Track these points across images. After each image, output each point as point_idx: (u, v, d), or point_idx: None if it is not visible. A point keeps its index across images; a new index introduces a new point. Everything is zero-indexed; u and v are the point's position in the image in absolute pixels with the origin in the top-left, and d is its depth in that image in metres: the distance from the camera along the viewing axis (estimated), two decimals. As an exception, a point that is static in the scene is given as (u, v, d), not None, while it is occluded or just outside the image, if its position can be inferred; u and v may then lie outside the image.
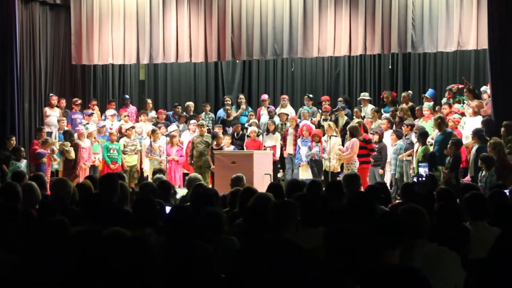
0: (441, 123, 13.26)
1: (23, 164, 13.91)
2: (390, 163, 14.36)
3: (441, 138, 13.05)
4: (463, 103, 14.61)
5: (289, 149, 15.80)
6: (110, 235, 3.92)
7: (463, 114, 14.21)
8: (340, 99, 17.18)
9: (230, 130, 16.33)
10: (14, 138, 14.73)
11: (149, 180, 12.42)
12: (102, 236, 3.96)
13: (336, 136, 14.75)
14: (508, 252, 3.35)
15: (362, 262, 3.53)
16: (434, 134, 13.56)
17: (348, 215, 5.17)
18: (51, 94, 16.79)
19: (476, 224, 5.88)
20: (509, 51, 13.33)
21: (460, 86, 15.49)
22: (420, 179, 10.82)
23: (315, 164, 14.82)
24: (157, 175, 10.75)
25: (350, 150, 14.08)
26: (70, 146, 14.80)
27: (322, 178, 14.15)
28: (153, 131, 15.75)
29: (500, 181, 10.23)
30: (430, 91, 15.91)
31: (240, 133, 16.03)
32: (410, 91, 16.61)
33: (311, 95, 17.45)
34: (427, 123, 14.11)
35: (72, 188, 7.46)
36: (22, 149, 14.30)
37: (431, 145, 13.30)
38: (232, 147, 15.29)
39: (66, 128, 15.68)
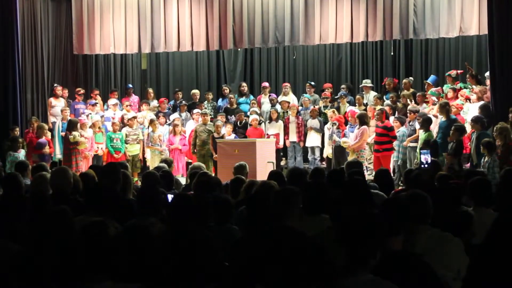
0: (448, 109, 13.21)
1: (21, 154, 13.90)
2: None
3: (446, 124, 13.00)
4: (466, 88, 14.58)
5: (292, 137, 15.80)
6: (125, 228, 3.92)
7: (469, 100, 14.16)
8: (343, 86, 17.17)
9: (232, 118, 16.32)
10: (17, 129, 14.76)
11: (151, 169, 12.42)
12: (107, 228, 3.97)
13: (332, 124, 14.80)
14: (504, 236, 3.36)
15: (374, 248, 3.53)
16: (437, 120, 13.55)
17: (345, 202, 5.16)
18: (55, 85, 16.79)
19: (479, 210, 5.88)
20: (508, 37, 13.27)
21: (459, 71, 15.46)
22: (423, 165, 10.82)
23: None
24: (160, 164, 10.77)
25: (359, 138, 14.06)
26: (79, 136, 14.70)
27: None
28: (151, 121, 15.75)
29: (506, 166, 10.18)
30: (432, 77, 15.89)
31: (244, 121, 16.02)
32: (411, 78, 16.58)
33: (312, 83, 17.44)
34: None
35: (75, 177, 7.46)
36: (20, 139, 14.31)
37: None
38: (233, 135, 15.28)
39: (69, 118, 15.67)
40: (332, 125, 14.75)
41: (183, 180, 12.14)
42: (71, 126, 14.71)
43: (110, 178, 6.83)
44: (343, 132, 14.60)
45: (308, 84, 17.36)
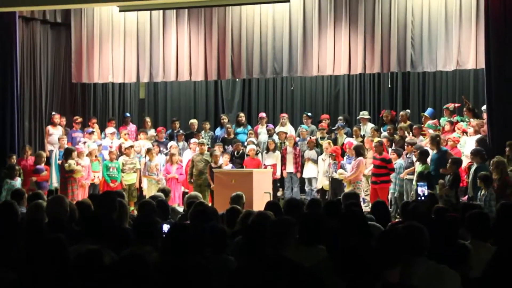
0: (438, 141, 13.28)
1: (17, 182, 13.88)
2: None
3: (437, 156, 13.07)
4: (463, 121, 14.63)
5: (289, 168, 15.81)
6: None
7: (466, 133, 14.20)
8: (340, 117, 17.20)
9: (230, 148, 16.33)
10: (14, 157, 14.76)
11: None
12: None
13: (329, 156, 14.82)
14: (502, 270, 3.35)
15: (371, 280, 3.52)
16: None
17: (342, 234, 5.15)
18: (53, 113, 16.80)
19: (477, 243, 5.86)
20: (505, 71, 13.34)
21: (457, 104, 15.54)
22: (419, 198, 10.80)
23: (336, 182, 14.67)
24: (156, 194, 10.74)
25: (355, 170, 14.07)
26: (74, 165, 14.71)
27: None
28: (148, 150, 15.74)
29: (502, 200, 10.18)
30: (429, 110, 15.94)
31: (241, 151, 16.03)
32: (408, 110, 16.63)
33: (309, 114, 17.47)
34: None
35: (71, 206, 7.44)
36: (17, 167, 14.30)
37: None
38: (230, 165, 15.28)
39: (66, 146, 15.65)
40: (329, 157, 14.74)
41: (179, 210, 12.09)
42: (67, 154, 14.72)
43: (106, 206, 6.80)
44: (340, 164, 14.59)
45: (305, 115, 17.39)
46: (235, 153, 15.98)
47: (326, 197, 14.64)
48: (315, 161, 15.54)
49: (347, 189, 13.71)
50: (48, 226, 6.27)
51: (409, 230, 4.77)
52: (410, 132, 15.06)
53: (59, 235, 4.84)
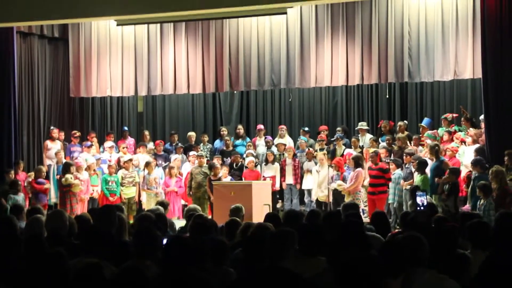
0: (437, 151, 13.31)
1: (20, 197, 13.88)
2: (389, 192, 14.30)
3: (435, 166, 13.11)
4: (461, 131, 14.65)
5: (289, 179, 15.80)
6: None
7: (464, 142, 14.21)
8: (338, 128, 17.21)
9: (228, 160, 16.32)
10: (13, 172, 14.75)
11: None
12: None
13: (330, 166, 14.82)
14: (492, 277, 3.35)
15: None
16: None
17: (342, 245, 5.15)
18: (52, 127, 16.79)
19: (477, 253, 5.84)
20: (502, 80, 13.36)
21: (455, 115, 15.56)
22: (419, 207, 10.78)
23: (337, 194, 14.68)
24: (154, 207, 10.71)
25: (354, 181, 14.06)
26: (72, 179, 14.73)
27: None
28: (147, 164, 15.73)
29: (502, 209, 10.17)
30: (426, 120, 15.96)
31: (239, 163, 16.02)
32: (405, 121, 16.65)
33: (306, 128, 17.44)
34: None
35: (70, 220, 7.42)
36: (20, 182, 14.29)
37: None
38: (229, 177, 15.26)
39: (64, 160, 15.63)
40: (333, 168, 14.73)
41: (178, 223, 12.06)
42: (65, 168, 14.74)
43: (106, 220, 6.79)
44: (342, 175, 14.58)
45: (302, 130, 17.34)
46: (234, 165, 15.97)
47: (323, 208, 14.62)
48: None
49: (346, 200, 13.71)
50: (48, 240, 6.26)
51: (409, 240, 4.76)
52: (409, 142, 15.07)
53: (59, 250, 4.83)
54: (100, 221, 6.91)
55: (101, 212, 7.33)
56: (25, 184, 14.84)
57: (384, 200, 14.02)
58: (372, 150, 14.75)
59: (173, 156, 16.45)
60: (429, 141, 14.47)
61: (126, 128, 18.33)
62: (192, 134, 18.01)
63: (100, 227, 6.48)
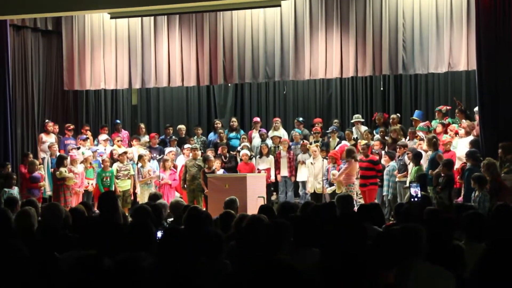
0: (435, 143, 13.33)
1: (15, 190, 13.84)
2: (383, 184, 14.33)
3: (431, 157, 13.15)
4: (454, 123, 14.66)
5: (283, 172, 15.81)
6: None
7: (457, 134, 14.22)
8: (336, 120, 17.30)
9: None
10: (9, 166, 14.71)
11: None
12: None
13: (324, 158, 14.84)
14: (490, 269, 3.35)
15: (367, 282, 3.51)
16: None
17: (339, 236, 5.15)
18: (47, 120, 16.75)
19: (471, 244, 5.86)
20: (497, 72, 13.37)
21: (449, 107, 15.57)
22: (413, 199, 10.82)
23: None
24: (149, 201, 10.73)
25: (343, 170, 14.08)
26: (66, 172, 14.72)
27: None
28: (140, 157, 15.71)
29: (497, 202, 10.19)
30: (417, 112, 15.97)
31: (227, 155, 16.01)
32: (398, 114, 16.68)
33: (301, 119, 17.47)
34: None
35: (65, 212, 7.42)
36: (14, 176, 14.25)
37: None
38: (221, 170, 15.24)
39: (58, 153, 15.60)
40: (329, 160, 14.76)
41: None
42: (59, 162, 14.73)
43: (108, 206, 6.80)
44: (339, 167, 14.60)
45: (296, 120, 17.38)
46: (223, 157, 15.93)
47: (321, 200, 14.64)
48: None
49: (338, 191, 13.75)
50: (42, 233, 6.25)
51: (406, 231, 4.76)
52: (402, 134, 15.09)
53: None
54: (103, 207, 6.94)
55: (102, 199, 7.36)
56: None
57: (375, 192, 14.05)
58: (363, 142, 14.77)
59: (167, 149, 16.43)
60: (421, 134, 14.50)
61: (118, 121, 18.29)
62: (182, 127, 17.97)
63: (102, 214, 6.48)
